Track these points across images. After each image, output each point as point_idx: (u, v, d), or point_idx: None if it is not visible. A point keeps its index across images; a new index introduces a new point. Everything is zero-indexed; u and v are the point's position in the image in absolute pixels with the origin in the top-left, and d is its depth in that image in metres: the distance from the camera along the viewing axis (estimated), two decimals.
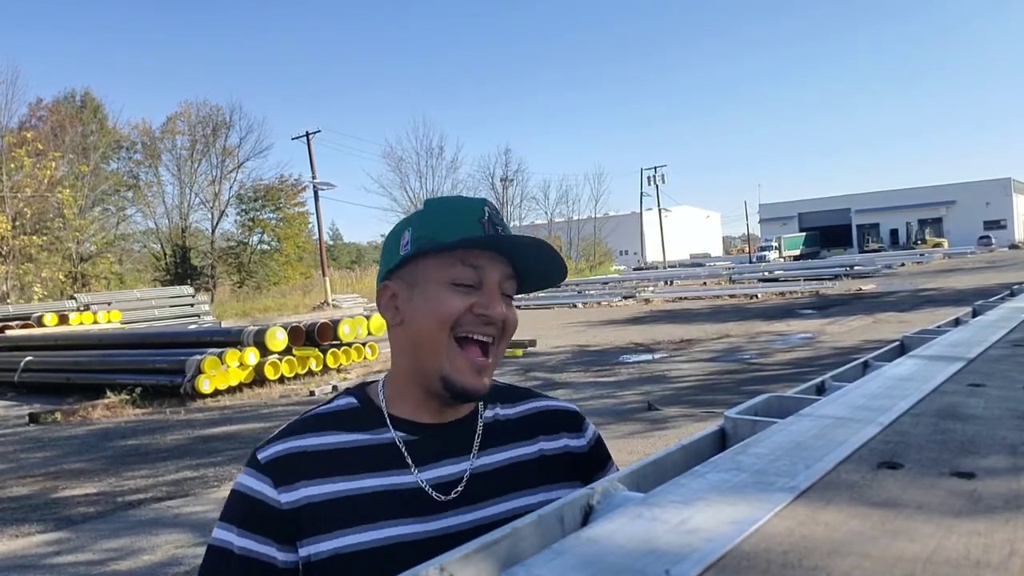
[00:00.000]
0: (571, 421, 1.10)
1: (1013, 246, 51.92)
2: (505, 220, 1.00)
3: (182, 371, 10.33)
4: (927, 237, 57.77)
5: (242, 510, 0.92)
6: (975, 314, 1.75)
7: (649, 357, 11.55)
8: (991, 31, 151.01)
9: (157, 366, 10.88)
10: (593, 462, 1.09)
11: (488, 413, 1.04)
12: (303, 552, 0.89)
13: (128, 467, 6.82)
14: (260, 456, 0.93)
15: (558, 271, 1.02)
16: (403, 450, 0.95)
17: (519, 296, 1.06)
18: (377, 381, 1.04)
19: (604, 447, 1.13)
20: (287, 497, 0.90)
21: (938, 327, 1.49)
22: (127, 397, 10.43)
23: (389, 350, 1.04)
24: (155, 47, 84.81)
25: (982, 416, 0.68)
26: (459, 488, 0.96)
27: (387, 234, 1.04)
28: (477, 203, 0.98)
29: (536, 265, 1.01)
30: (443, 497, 0.94)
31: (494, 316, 0.94)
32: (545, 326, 17.65)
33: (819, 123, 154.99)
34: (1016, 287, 2.41)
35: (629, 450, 5.83)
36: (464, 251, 0.94)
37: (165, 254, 41.85)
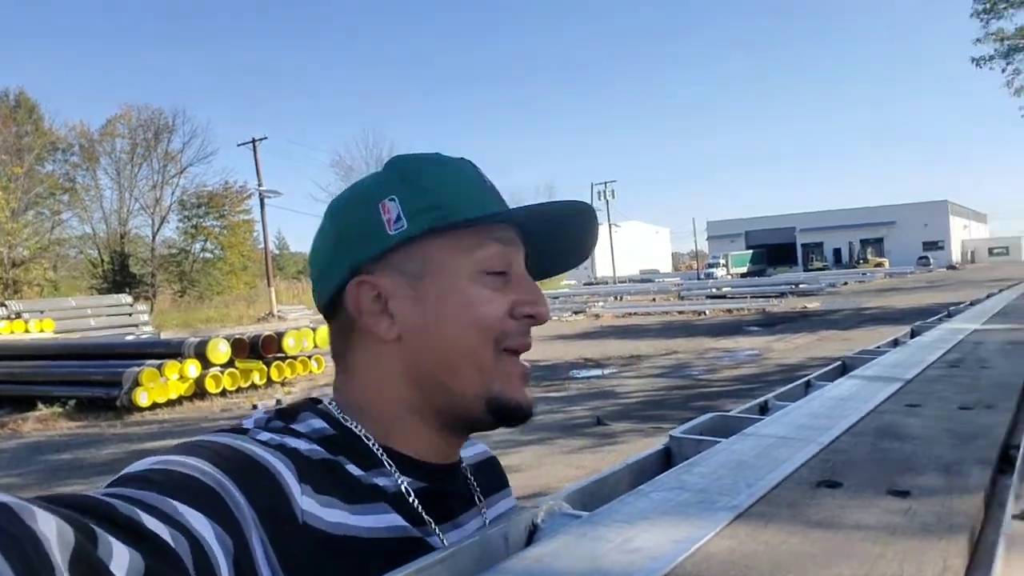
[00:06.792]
0: (501, 470, 0.85)
1: (950, 267, 54.03)
2: None
3: (119, 383, 9.99)
4: (869, 256, 59.82)
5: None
6: (913, 335, 1.81)
7: (599, 372, 11.62)
8: (931, 51, 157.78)
9: (92, 378, 10.50)
10: None
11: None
12: None
13: (61, 482, 6.56)
14: None
15: (592, 239, 0.77)
16: (415, 503, 0.65)
17: None
18: (327, 400, 0.71)
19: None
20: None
21: (878, 347, 1.54)
22: (60, 410, 10.05)
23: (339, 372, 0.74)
24: (96, 52, 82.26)
25: (918, 435, 0.70)
26: None
27: (333, 208, 0.72)
28: (467, 164, 0.72)
29: (566, 240, 0.76)
30: None
31: (543, 314, 0.69)
32: None
33: (766, 140, 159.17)
34: (952, 308, 2.50)
35: (577, 465, 5.84)
36: (488, 227, 0.68)
37: (102, 261, 40.45)
